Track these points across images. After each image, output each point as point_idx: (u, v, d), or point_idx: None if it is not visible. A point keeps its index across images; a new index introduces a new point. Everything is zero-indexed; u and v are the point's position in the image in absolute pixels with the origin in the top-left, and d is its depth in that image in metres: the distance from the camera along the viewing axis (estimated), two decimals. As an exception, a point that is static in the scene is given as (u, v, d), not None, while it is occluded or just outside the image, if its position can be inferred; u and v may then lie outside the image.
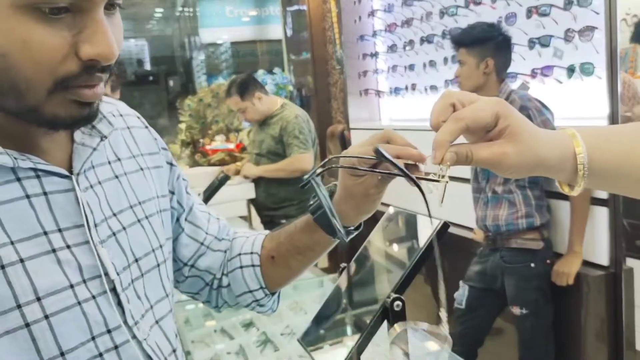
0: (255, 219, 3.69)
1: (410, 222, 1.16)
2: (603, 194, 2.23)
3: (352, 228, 0.92)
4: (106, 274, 0.66)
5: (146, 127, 0.85)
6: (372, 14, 4.01)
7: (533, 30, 2.57)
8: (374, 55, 4.09)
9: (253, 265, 0.96)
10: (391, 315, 0.98)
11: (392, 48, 3.83)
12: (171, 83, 8.00)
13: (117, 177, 0.73)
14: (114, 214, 0.70)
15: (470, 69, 2.35)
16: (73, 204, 0.65)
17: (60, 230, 0.63)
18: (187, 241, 0.92)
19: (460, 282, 2.61)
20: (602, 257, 2.27)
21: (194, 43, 7.78)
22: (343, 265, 1.24)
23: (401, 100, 3.94)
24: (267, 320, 1.88)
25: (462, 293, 2.59)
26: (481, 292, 2.54)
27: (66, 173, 0.65)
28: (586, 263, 2.29)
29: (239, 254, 0.97)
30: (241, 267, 0.96)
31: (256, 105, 3.22)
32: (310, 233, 0.91)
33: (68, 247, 0.63)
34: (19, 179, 0.60)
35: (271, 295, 0.98)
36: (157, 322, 0.74)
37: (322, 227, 0.88)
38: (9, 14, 0.53)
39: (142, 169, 0.79)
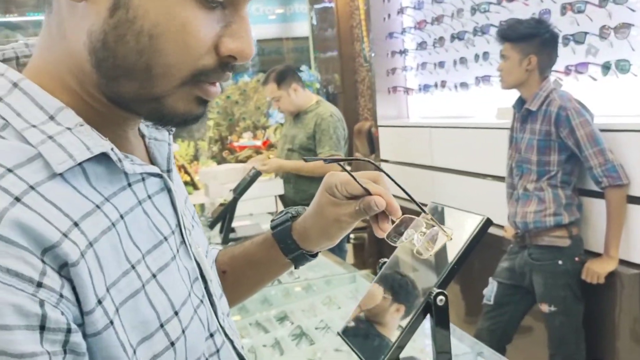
0: (282, 214, 3.71)
1: (451, 217, 1.17)
2: (638, 192, 2.21)
3: (307, 253, 0.85)
4: (202, 275, 0.64)
5: None
6: (401, 11, 4.01)
7: (567, 27, 2.55)
8: (403, 52, 4.09)
9: None
10: (434, 310, 0.99)
11: (421, 45, 3.83)
12: (198, 80, 8.04)
13: (171, 179, 0.66)
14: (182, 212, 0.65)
15: (513, 65, 2.35)
16: (169, 203, 0.62)
17: (173, 233, 0.60)
18: None
19: (490, 279, 2.61)
20: (637, 255, 2.25)
21: (220, 41, 7.84)
22: (383, 260, 1.26)
23: (430, 98, 3.94)
24: (301, 315, 1.90)
25: (490, 289, 2.59)
26: (510, 288, 2.54)
27: (160, 172, 0.60)
28: (621, 261, 2.27)
29: None
30: None
31: (291, 96, 3.24)
32: (267, 248, 0.85)
33: (178, 250, 0.60)
34: (130, 185, 0.56)
35: None
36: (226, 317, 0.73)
37: (279, 243, 0.83)
38: None
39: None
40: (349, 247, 3.68)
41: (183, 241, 0.62)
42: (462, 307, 3.32)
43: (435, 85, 3.76)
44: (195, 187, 4.91)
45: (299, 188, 3.30)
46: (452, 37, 3.43)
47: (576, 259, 2.33)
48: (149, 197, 0.59)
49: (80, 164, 0.51)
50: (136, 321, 0.53)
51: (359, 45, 5.58)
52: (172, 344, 0.56)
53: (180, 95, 0.54)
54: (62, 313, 0.46)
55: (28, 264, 0.45)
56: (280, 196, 3.52)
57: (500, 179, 2.83)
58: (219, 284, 0.74)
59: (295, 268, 0.87)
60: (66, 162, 0.50)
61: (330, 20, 6.14)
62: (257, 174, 2.85)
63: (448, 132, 3.45)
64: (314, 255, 0.87)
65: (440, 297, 1.00)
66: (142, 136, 0.66)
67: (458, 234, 1.11)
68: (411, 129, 3.93)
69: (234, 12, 0.54)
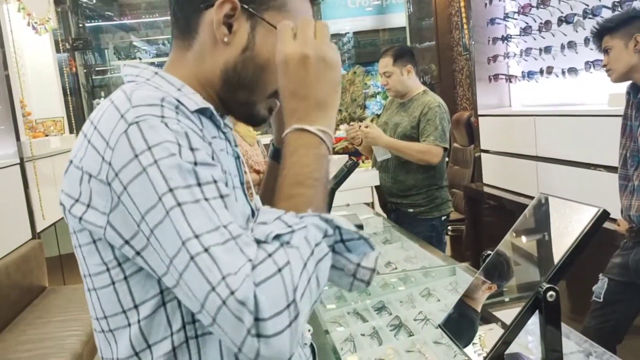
0: (378, 205, 3.70)
1: (563, 210, 1.11)
2: None
3: None
4: (254, 215, 0.89)
5: None
6: (503, -5, 3.86)
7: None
8: (505, 38, 3.92)
9: None
10: (544, 306, 0.94)
11: (525, 30, 3.65)
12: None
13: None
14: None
15: (619, 51, 2.22)
16: (234, 165, 0.89)
17: (237, 177, 0.88)
18: None
19: (600, 275, 2.46)
20: None
21: (317, 34, 7.91)
22: (487, 252, 1.22)
23: (534, 85, 3.76)
24: (399, 306, 1.89)
25: (601, 286, 2.45)
26: (622, 285, 2.38)
27: (234, 144, 0.92)
28: None
29: None
30: None
31: (403, 75, 3.19)
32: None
33: (240, 188, 0.87)
34: (220, 137, 0.87)
35: None
36: None
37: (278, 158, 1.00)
38: (275, 43, 0.83)
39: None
40: (446, 239, 3.60)
41: (242, 191, 0.88)
42: (567, 303, 3.15)
43: (541, 72, 3.57)
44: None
45: (396, 179, 3.25)
46: (560, 21, 3.25)
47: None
48: (228, 152, 0.88)
49: (197, 111, 0.81)
50: (236, 209, 0.77)
51: (458, 34, 5.44)
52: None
53: (264, 104, 0.90)
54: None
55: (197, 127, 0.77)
56: (377, 186, 3.50)
57: (612, 169, 2.66)
58: None
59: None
60: (193, 105, 0.80)
61: (428, 9, 6.01)
62: (354, 164, 2.85)
63: (555, 120, 3.27)
64: None
65: (551, 292, 0.96)
66: None
67: (571, 226, 1.05)
68: (514, 118, 3.77)
69: None
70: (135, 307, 0.77)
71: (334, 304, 1.96)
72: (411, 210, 3.24)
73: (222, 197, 0.72)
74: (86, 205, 0.75)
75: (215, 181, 0.73)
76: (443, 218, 3.26)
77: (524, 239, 1.20)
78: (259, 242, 0.71)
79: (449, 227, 3.67)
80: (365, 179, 3.49)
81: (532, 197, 3.69)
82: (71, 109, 4.98)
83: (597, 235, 1.02)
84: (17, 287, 3.25)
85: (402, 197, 3.26)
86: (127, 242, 0.73)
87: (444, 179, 3.25)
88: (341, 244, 0.77)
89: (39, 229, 3.71)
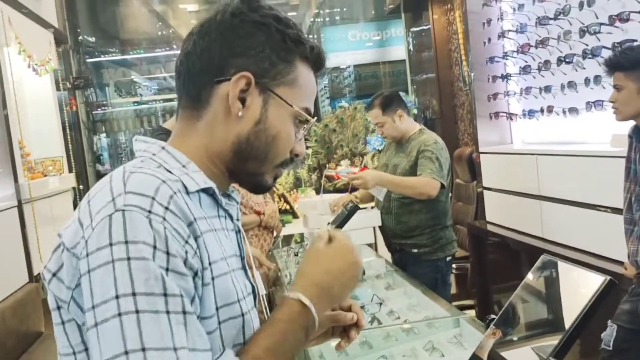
0: (380, 247, 3.65)
1: (569, 274, 1.07)
2: None
3: None
4: (255, 292, 0.92)
5: None
6: (502, 35, 3.86)
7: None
8: (505, 77, 3.92)
9: None
10: (552, 382, 0.90)
11: (525, 69, 3.65)
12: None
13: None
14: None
15: (630, 95, 2.18)
16: (235, 240, 0.92)
17: (235, 256, 0.89)
18: None
19: (609, 322, 2.40)
20: None
21: (318, 68, 7.97)
22: (491, 316, 1.17)
23: (535, 123, 3.74)
24: (402, 361, 1.83)
25: (610, 333, 2.38)
26: (631, 333, 2.31)
27: (234, 218, 0.93)
28: None
29: None
30: None
31: (396, 122, 3.18)
32: None
33: (240, 269, 0.89)
34: (219, 216, 0.88)
35: None
36: None
37: None
38: (288, 116, 0.90)
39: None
40: (452, 279, 3.54)
41: (242, 267, 0.91)
42: (576, 350, 3.08)
43: (541, 111, 3.56)
44: (295, 215, 4.97)
45: (399, 219, 3.22)
46: (559, 60, 3.24)
47: None
48: (227, 229, 0.90)
49: (197, 192, 0.83)
50: (225, 291, 0.80)
51: (457, 69, 5.45)
52: (243, 315, 0.84)
53: (271, 173, 0.93)
54: (194, 260, 0.76)
55: (184, 224, 0.76)
56: (381, 229, 3.46)
57: (615, 210, 2.62)
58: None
59: None
60: (194, 186, 0.83)
61: (427, 43, 6.05)
62: (355, 208, 2.82)
63: (557, 159, 3.24)
64: None
65: (559, 369, 0.92)
66: None
67: (577, 296, 1.01)
68: (516, 156, 3.75)
69: (299, 130, 0.93)
70: None
71: (335, 358, 1.90)
72: (415, 250, 3.20)
73: (184, 313, 0.71)
74: (52, 274, 0.76)
75: (181, 295, 0.71)
76: (448, 259, 3.21)
77: (529, 303, 1.16)
78: None
79: (454, 265, 3.62)
80: (367, 219, 3.44)
81: (536, 237, 3.64)
82: (71, 146, 4.98)
83: (593, 282, 0.98)
84: (14, 333, 3.18)
85: (406, 237, 3.22)
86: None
87: (447, 218, 3.21)
88: None
89: (36, 271, 3.66)
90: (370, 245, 3.59)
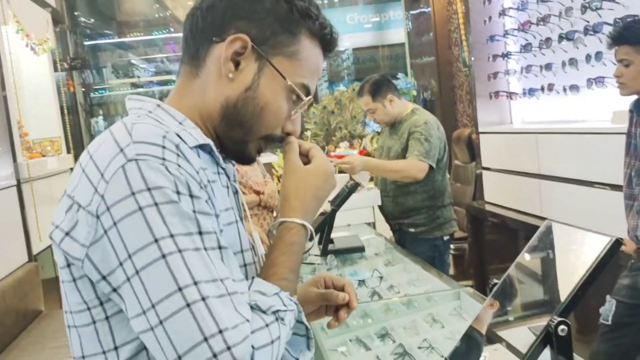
0: (379, 225, 3.65)
1: (573, 237, 1.07)
2: None
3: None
4: (253, 247, 0.92)
5: None
6: (503, 13, 3.84)
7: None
8: (505, 55, 3.90)
9: None
10: (555, 341, 0.90)
11: (525, 47, 3.63)
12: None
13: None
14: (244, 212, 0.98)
15: (639, 70, 2.15)
16: (232, 196, 0.91)
17: (233, 209, 0.88)
18: None
19: (607, 297, 2.41)
20: None
21: (317, 51, 7.92)
22: (494, 281, 1.17)
23: (536, 102, 3.73)
24: (402, 333, 1.83)
25: (608, 308, 2.39)
26: (631, 308, 2.32)
27: (233, 179, 0.93)
28: None
29: None
30: None
31: (387, 107, 3.17)
32: None
33: (239, 222, 0.89)
34: (218, 173, 0.87)
35: None
36: None
37: None
38: (280, 88, 0.87)
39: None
40: (450, 259, 3.54)
41: (241, 220, 0.91)
42: (574, 324, 3.09)
43: (542, 89, 3.55)
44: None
45: (397, 201, 3.22)
46: (560, 38, 3.22)
47: None
48: (227, 186, 0.89)
49: (197, 147, 0.81)
50: (231, 241, 0.81)
51: (457, 50, 5.42)
52: (246, 265, 0.86)
53: (256, 144, 0.91)
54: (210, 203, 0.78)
55: (194, 171, 0.76)
56: (380, 209, 3.46)
57: (616, 187, 2.61)
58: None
59: None
60: (193, 142, 0.80)
61: (427, 25, 6.01)
62: (355, 185, 2.81)
63: (557, 138, 3.24)
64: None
65: (562, 326, 0.91)
66: None
67: (582, 256, 1.01)
68: (516, 135, 3.74)
69: (296, 107, 0.91)
70: (116, 348, 0.75)
71: (336, 330, 1.91)
72: (412, 230, 3.20)
73: (220, 248, 0.73)
74: (64, 233, 0.74)
75: (214, 232, 0.73)
76: (445, 238, 3.21)
77: (532, 266, 1.16)
78: (255, 308, 0.73)
79: (451, 246, 3.63)
80: (367, 198, 3.44)
81: (535, 216, 3.64)
82: (69, 128, 4.96)
83: (600, 243, 0.98)
84: (13, 311, 3.19)
85: (404, 217, 3.22)
86: (104, 277, 0.72)
87: (445, 198, 3.20)
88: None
89: (35, 251, 3.66)
90: (369, 224, 3.59)
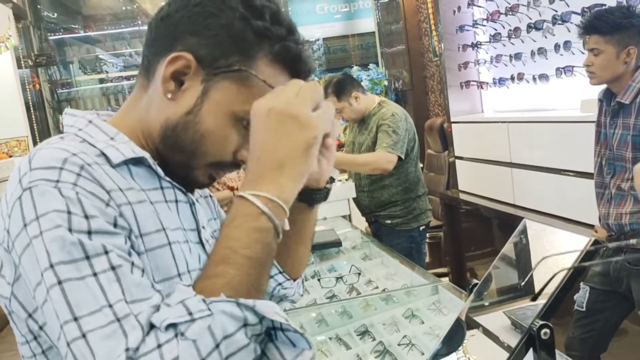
0: (355, 217, 3.67)
1: (552, 238, 1.08)
2: None
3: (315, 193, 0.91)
4: None
5: None
6: (471, 3, 3.85)
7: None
8: (475, 45, 3.93)
9: None
10: (538, 343, 0.90)
11: (495, 37, 3.66)
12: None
13: (197, 200, 0.89)
14: (203, 227, 0.87)
15: (609, 59, 2.17)
16: (190, 213, 0.84)
17: (184, 230, 0.81)
18: None
19: (581, 284, 2.45)
20: None
21: (287, 42, 7.88)
22: (474, 281, 1.18)
23: (506, 91, 3.77)
24: (382, 330, 1.84)
25: (582, 295, 2.44)
26: (604, 294, 2.38)
27: (184, 190, 0.84)
28: None
29: None
30: None
31: (353, 105, 3.18)
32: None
33: (187, 242, 0.80)
34: (162, 188, 0.80)
35: (292, 280, 1.00)
36: None
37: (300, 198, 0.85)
38: (226, 115, 0.77)
39: (202, 197, 0.97)
40: (426, 249, 3.57)
41: (200, 241, 0.83)
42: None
43: (512, 78, 3.58)
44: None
45: (372, 196, 3.25)
46: (529, 27, 3.25)
47: (679, 262, 2.14)
48: (176, 201, 0.82)
49: (126, 163, 0.75)
50: (161, 264, 0.73)
51: (427, 40, 5.44)
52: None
53: (203, 171, 0.82)
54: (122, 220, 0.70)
55: (103, 190, 0.69)
56: (356, 203, 3.47)
57: (585, 175, 2.66)
58: None
59: (310, 206, 0.93)
60: (119, 157, 0.74)
61: (396, 15, 6.02)
62: (331, 179, 2.80)
63: (527, 126, 3.28)
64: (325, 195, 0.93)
65: (545, 330, 0.92)
66: None
67: (563, 257, 1.02)
68: (487, 125, 3.77)
69: (248, 134, 0.75)
70: None
71: (316, 329, 1.91)
72: (389, 221, 3.22)
73: (113, 269, 0.64)
74: None
75: (106, 252, 0.65)
76: (421, 228, 3.25)
77: (511, 268, 1.17)
78: (153, 327, 0.62)
79: (427, 235, 3.67)
80: (342, 191, 3.44)
81: (508, 204, 3.68)
82: (36, 126, 4.84)
83: (575, 242, 1.00)
84: (-16, 318, 3.12)
85: (380, 210, 3.24)
86: (29, 315, 0.72)
87: (419, 188, 3.23)
88: (281, 333, 0.65)
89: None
90: (345, 217, 3.60)
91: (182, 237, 0.78)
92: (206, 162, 0.80)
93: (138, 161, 0.77)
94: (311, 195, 0.90)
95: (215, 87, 0.77)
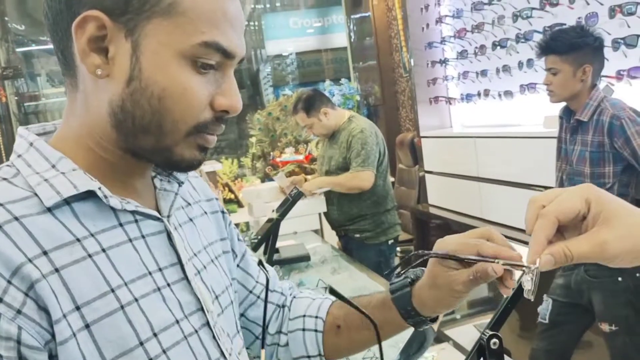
0: (326, 232, 3.68)
1: (518, 251, 1.10)
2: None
3: (427, 319, 0.86)
4: (200, 308, 0.70)
5: (198, 176, 0.90)
6: (439, 20, 3.93)
7: (617, 30, 2.43)
8: (444, 62, 4.00)
9: (316, 331, 0.93)
10: (488, 353, 0.92)
11: (462, 54, 3.74)
12: (239, 96, 8.15)
13: (190, 220, 0.78)
14: (195, 254, 0.74)
15: (566, 77, 2.23)
16: (167, 244, 0.69)
17: (160, 270, 0.67)
18: (237, 287, 0.91)
19: (544, 296, 2.50)
20: None
21: (260, 56, 7.90)
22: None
23: (473, 107, 3.84)
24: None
25: (545, 307, 2.48)
26: (566, 306, 2.42)
27: (159, 216, 0.70)
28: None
29: (304, 316, 0.95)
30: (304, 329, 0.93)
31: (322, 120, 3.21)
32: (384, 311, 0.86)
33: (168, 285, 0.67)
34: (121, 224, 0.65)
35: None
36: (237, 356, 0.77)
37: (399, 309, 0.85)
38: (173, 61, 0.62)
39: (205, 214, 0.83)
40: (396, 262, 3.60)
41: (185, 277, 0.69)
42: (515, 324, 3.20)
43: (478, 95, 3.66)
44: (240, 204, 4.93)
45: (342, 209, 3.27)
46: (494, 45, 3.33)
47: (637, 274, 2.20)
48: (143, 236, 0.67)
49: (68, 202, 0.62)
50: (114, 336, 0.60)
51: (398, 56, 5.52)
52: (165, 352, 0.64)
53: (186, 144, 0.66)
54: (19, 327, 0.55)
55: (4, 268, 0.55)
56: (326, 217, 3.48)
57: (549, 189, 2.71)
58: (235, 323, 0.80)
59: (416, 329, 0.88)
60: (53, 197, 0.60)
61: (368, 30, 6.09)
62: (299, 194, 2.81)
63: (494, 142, 3.34)
64: (435, 319, 0.88)
65: (494, 340, 0.94)
66: (155, 188, 0.75)
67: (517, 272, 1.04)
68: (455, 140, 3.84)
69: (223, 74, 0.66)
70: None
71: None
72: (358, 235, 3.24)
73: None
74: None
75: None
76: (390, 242, 3.27)
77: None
78: None
79: (398, 249, 3.69)
80: (312, 206, 3.46)
81: (476, 218, 3.73)
82: (1, 139, 4.76)
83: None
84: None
85: (349, 224, 3.26)
86: None
87: (388, 202, 3.26)
88: None
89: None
90: (315, 231, 3.60)
91: (149, 286, 0.65)
92: (181, 130, 0.64)
93: (87, 195, 0.63)
94: (423, 322, 0.87)
95: (144, 34, 0.61)
